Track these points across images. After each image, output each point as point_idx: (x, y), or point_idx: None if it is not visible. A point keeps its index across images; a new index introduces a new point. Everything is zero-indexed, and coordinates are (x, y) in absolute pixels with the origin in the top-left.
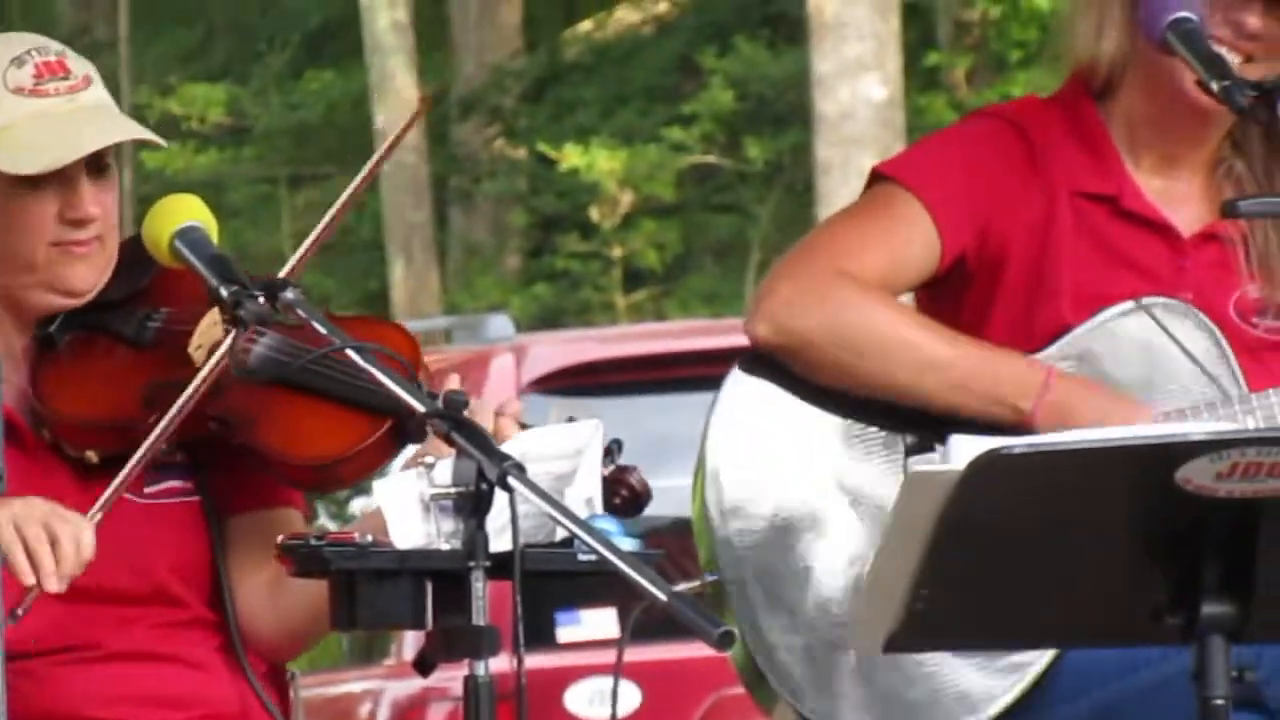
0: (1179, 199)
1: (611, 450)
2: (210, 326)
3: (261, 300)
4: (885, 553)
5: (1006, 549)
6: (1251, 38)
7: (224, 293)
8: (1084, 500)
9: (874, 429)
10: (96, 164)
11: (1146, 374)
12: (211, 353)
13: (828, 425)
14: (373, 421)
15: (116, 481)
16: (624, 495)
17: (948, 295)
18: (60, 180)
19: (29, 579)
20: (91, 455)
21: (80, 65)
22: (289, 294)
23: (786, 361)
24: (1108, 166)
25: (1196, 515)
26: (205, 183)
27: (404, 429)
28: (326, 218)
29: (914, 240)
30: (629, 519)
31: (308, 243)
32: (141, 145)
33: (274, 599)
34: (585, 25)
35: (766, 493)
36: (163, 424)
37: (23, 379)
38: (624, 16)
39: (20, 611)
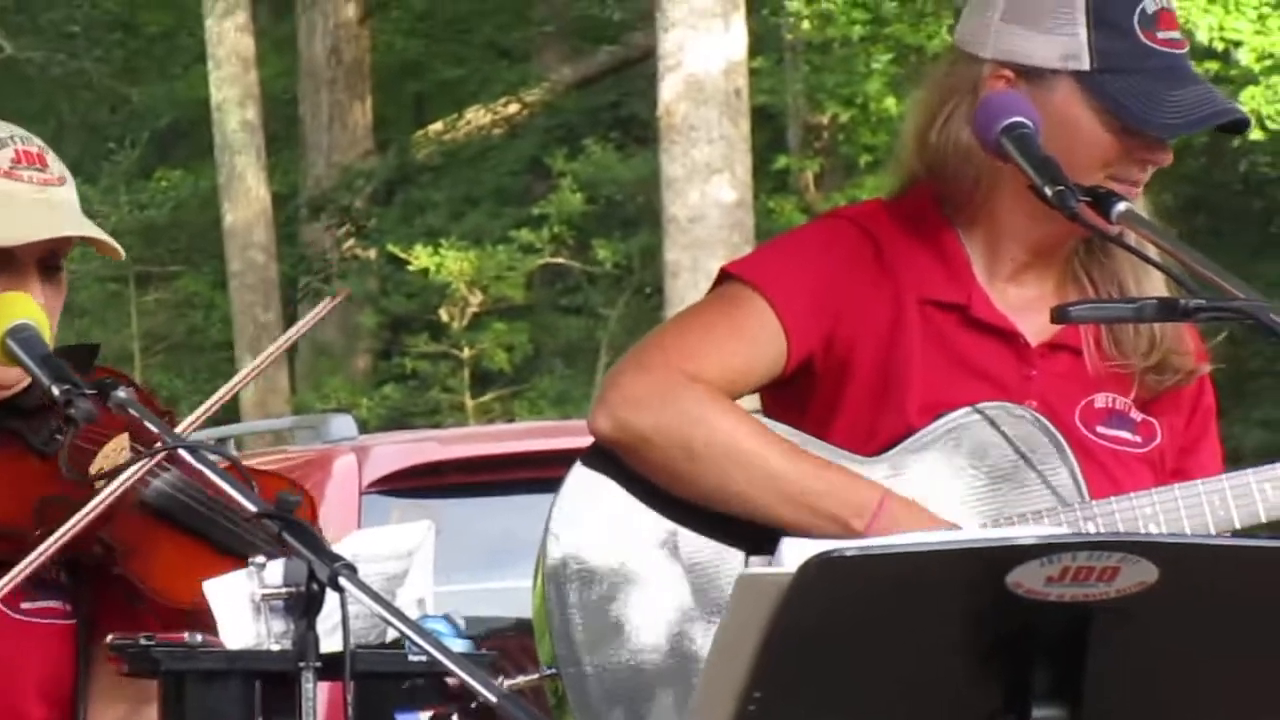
0: (1031, 307)
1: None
2: (116, 451)
3: (92, 400)
4: (717, 655)
5: (840, 652)
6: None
7: (55, 391)
8: (916, 604)
9: (714, 534)
10: (49, 263)
11: (987, 480)
12: (112, 476)
13: (670, 525)
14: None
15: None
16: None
17: (793, 396)
18: (10, 270)
19: None
20: None
21: (59, 167)
22: (120, 394)
23: (625, 459)
24: (956, 274)
25: (1028, 620)
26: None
27: None
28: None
29: (760, 341)
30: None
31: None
32: None
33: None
34: (436, 127)
35: (607, 587)
36: (49, 542)
37: None
38: (474, 118)
39: None
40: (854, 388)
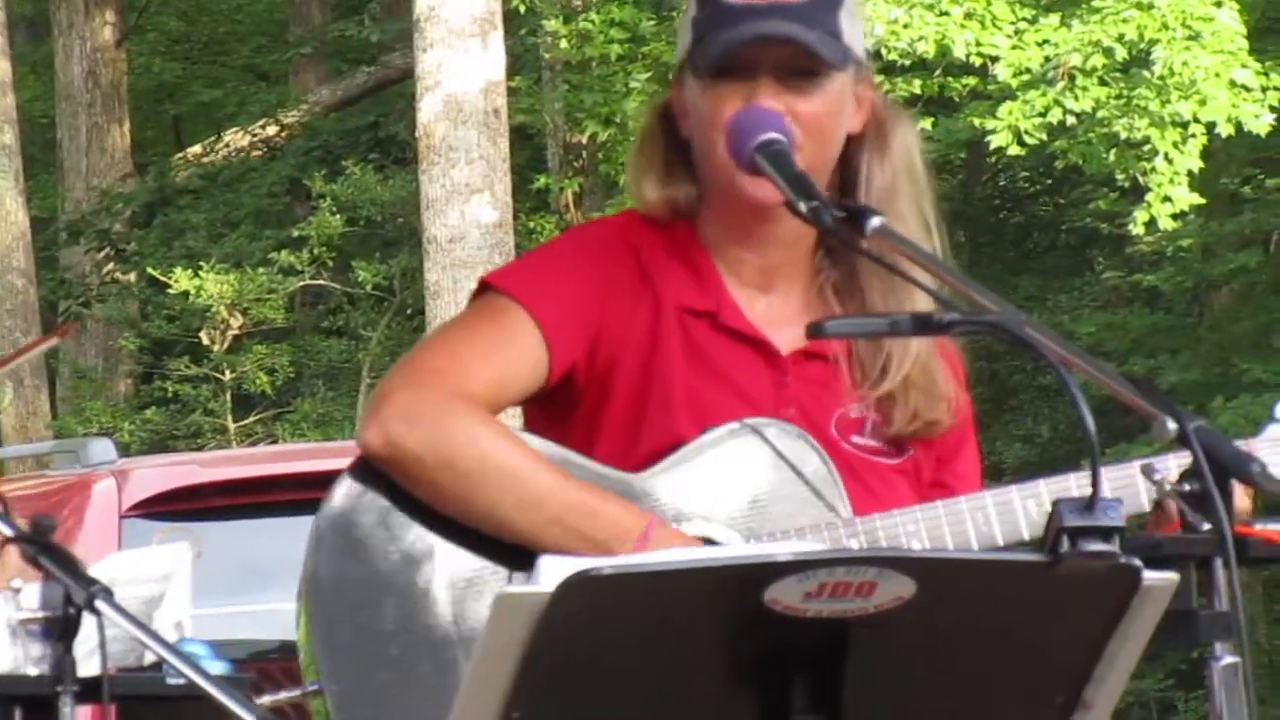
0: (780, 317)
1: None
2: None
3: None
4: (475, 673)
5: (599, 671)
6: None
7: None
8: (675, 621)
9: (479, 551)
10: None
11: (753, 496)
12: None
13: (434, 541)
14: None
15: None
16: None
17: (559, 408)
18: None
19: None
20: None
21: None
22: None
23: (390, 473)
24: (706, 282)
25: (786, 636)
26: None
27: None
28: None
29: (523, 353)
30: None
31: None
32: None
33: None
34: (194, 149)
35: (370, 602)
36: None
37: None
38: (233, 140)
39: None
40: (617, 398)
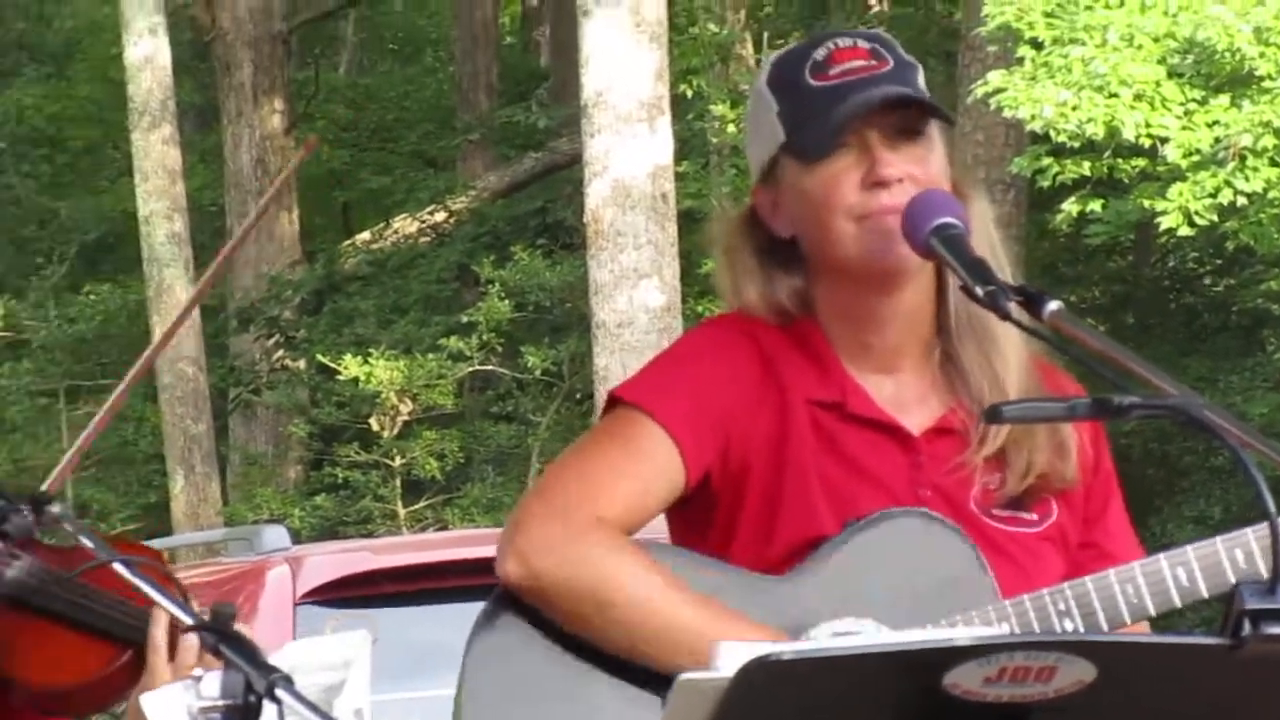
0: (908, 398)
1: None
2: None
3: (28, 515)
4: None
5: None
6: None
7: None
8: (854, 706)
9: (623, 671)
10: None
11: (902, 589)
12: None
13: (580, 661)
14: (115, 651)
15: None
16: None
17: (696, 512)
18: None
19: None
20: None
21: None
22: (54, 508)
23: (532, 603)
24: (829, 372)
25: None
26: None
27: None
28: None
29: (658, 466)
30: None
31: (71, 452)
32: None
33: None
34: (363, 236)
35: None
36: None
37: None
38: (401, 227)
39: None
40: (753, 496)
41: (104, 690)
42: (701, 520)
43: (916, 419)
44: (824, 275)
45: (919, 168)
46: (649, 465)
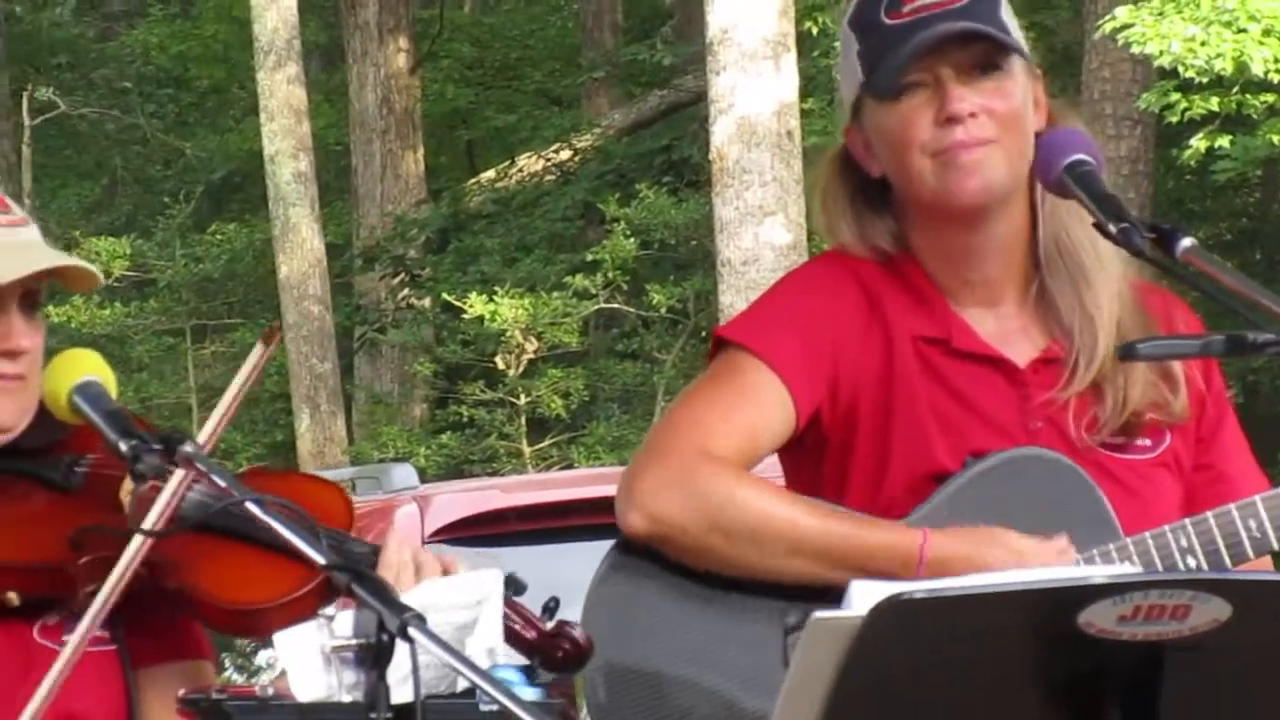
0: (1012, 330)
1: (550, 607)
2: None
3: (159, 454)
4: (788, 698)
5: (910, 694)
6: None
7: (123, 447)
8: (986, 645)
9: (753, 609)
10: (30, 300)
11: (1026, 525)
12: (141, 500)
13: (709, 596)
14: (307, 572)
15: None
16: (566, 649)
17: (808, 453)
18: None
19: None
20: (12, 597)
21: (19, 210)
22: (186, 448)
23: (660, 548)
24: (933, 308)
25: (1099, 659)
26: (109, 336)
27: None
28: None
29: (768, 406)
30: (570, 674)
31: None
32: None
33: None
34: (488, 174)
35: (645, 669)
36: (116, 574)
37: None
38: (526, 165)
39: None
40: (863, 436)
41: (295, 610)
42: (815, 461)
43: (1021, 351)
44: (914, 213)
45: (997, 101)
46: (758, 406)
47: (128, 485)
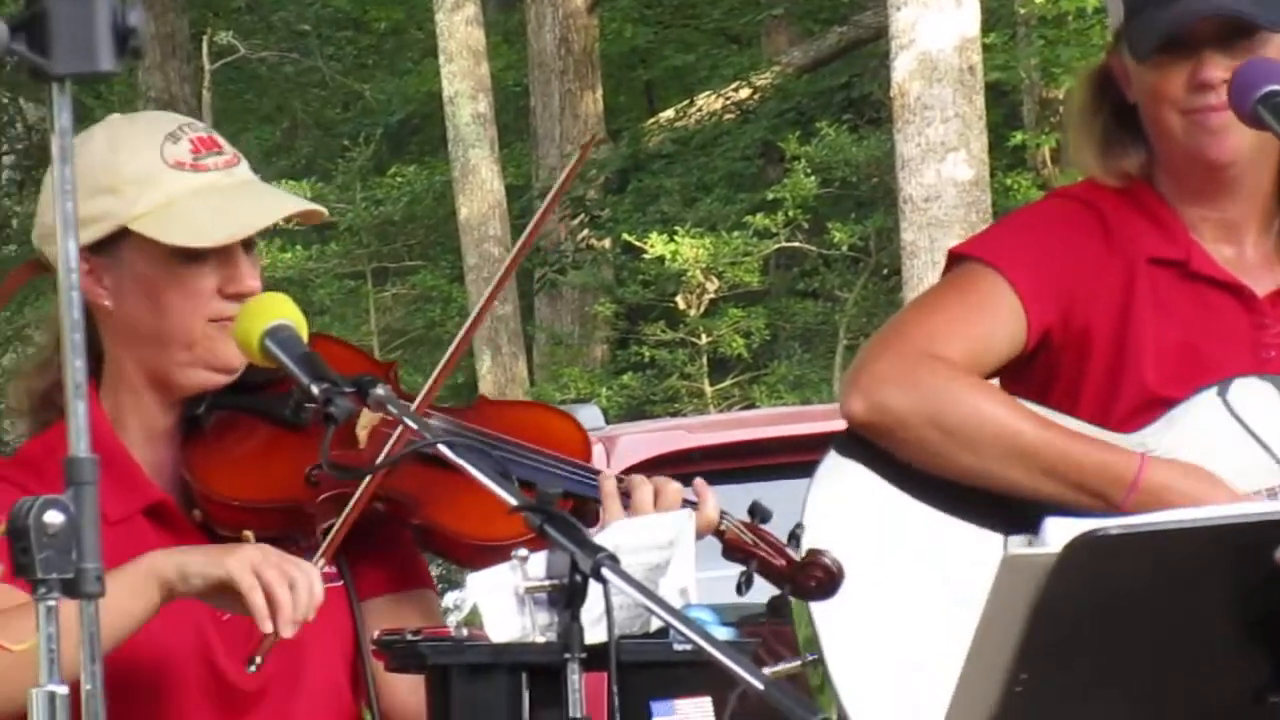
0: (1249, 264)
1: (797, 534)
2: (371, 422)
3: (352, 396)
4: (983, 635)
5: (1104, 631)
6: None
7: (315, 390)
8: (1182, 581)
9: (965, 516)
10: (249, 242)
11: (1248, 453)
12: (374, 434)
13: (924, 508)
14: None
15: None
16: (819, 577)
17: (1036, 373)
18: (220, 254)
19: (268, 625)
20: (249, 536)
21: (231, 147)
22: (379, 390)
23: (878, 439)
24: (1173, 234)
25: None
26: (291, 280)
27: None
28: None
29: (1000, 318)
30: (822, 601)
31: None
32: None
33: (419, 686)
34: (667, 114)
35: (865, 574)
36: (353, 501)
37: (168, 459)
38: (705, 104)
39: (259, 659)
40: (1094, 359)
41: (536, 544)
42: (1043, 383)
43: (1260, 283)
44: (1163, 154)
45: None
46: (990, 317)
47: (361, 421)
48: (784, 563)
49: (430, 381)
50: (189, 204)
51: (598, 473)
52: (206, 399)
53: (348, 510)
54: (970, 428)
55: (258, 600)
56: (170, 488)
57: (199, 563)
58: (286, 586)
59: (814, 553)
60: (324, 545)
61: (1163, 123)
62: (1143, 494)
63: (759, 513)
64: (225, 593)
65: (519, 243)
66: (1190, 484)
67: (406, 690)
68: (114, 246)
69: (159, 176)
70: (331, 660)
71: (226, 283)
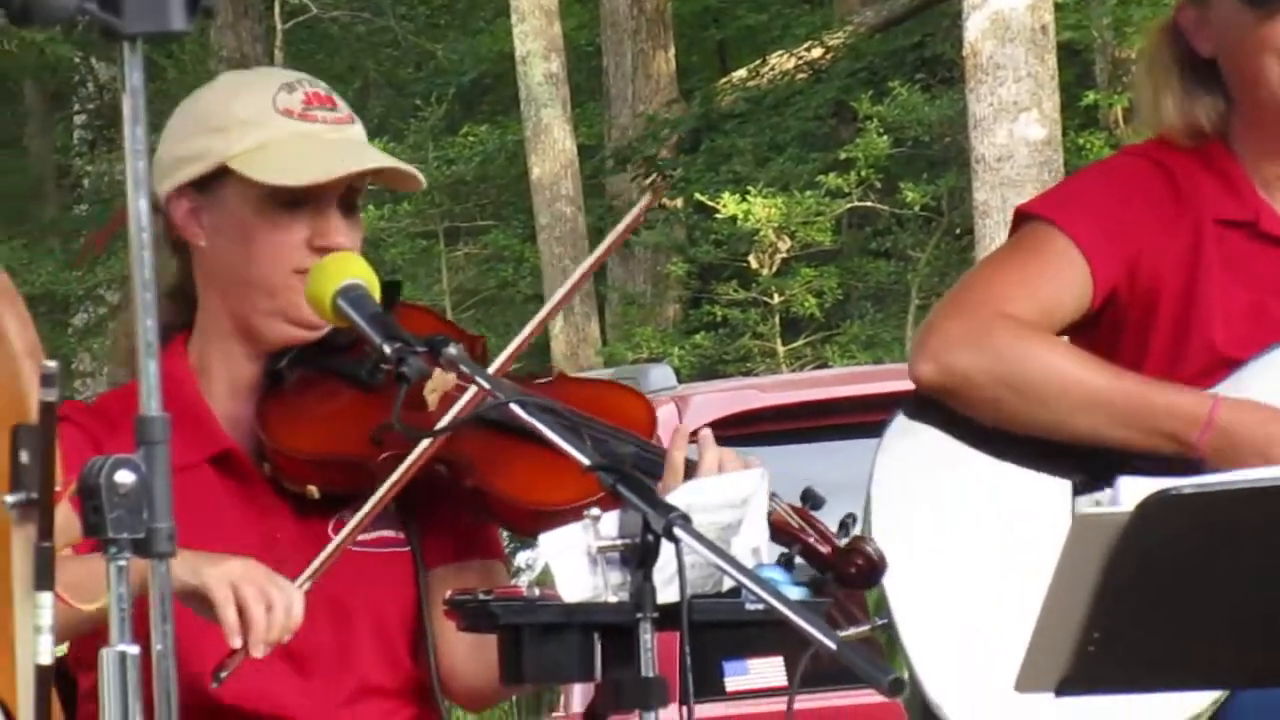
0: None
1: (846, 523)
2: (442, 383)
3: (424, 355)
4: (1055, 595)
5: (1177, 589)
6: None
7: (387, 350)
8: (1255, 539)
9: (1040, 472)
10: (348, 201)
11: None
12: (444, 398)
13: (994, 470)
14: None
15: (348, 530)
16: (859, 565)
17: (1103, 333)
18: (314, 207)
19: (236, 640)
20: (313, 490)
21: (346, 107)
22: (451, 350)
23: (948, 401)
24: (1242, 194)
25: None
26: (363, 240)
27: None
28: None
29: (1066, 277)
30: (864, 590)
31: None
32: None
33: (478, 651)
34: (739, 73)
35: (934, 537)
36: (406, 462)
37: (247, 411)
38: (778, 64)
39: (224, 675)
40: (1161, 318)
41: (606, 503)
42: (1110, 342)
43: None
44: (1244, 105)
45: None
46: (1057, 276)
47: (431, 383)
48: (829, 549)
49: (505, 355)
50: (286, 146)
51: (663, 453)
52: (290, 354)
53: (403, 468)
54: (1042, 383)
55: (229, 616)
56: (244, 440)
57: (180, 567)
58: (263, 606)
59: (858, 539)
60: (337, 541)
61: (1263, 72)
62: (1217, 433)
63: (811, 498)
64: (203, 601)
65: (588, 261)
66: (1263, 423)
67: (464, 654)
68: (216, 185)
69: (265, 119)
70: (389, 624)
71: (316, 235)
